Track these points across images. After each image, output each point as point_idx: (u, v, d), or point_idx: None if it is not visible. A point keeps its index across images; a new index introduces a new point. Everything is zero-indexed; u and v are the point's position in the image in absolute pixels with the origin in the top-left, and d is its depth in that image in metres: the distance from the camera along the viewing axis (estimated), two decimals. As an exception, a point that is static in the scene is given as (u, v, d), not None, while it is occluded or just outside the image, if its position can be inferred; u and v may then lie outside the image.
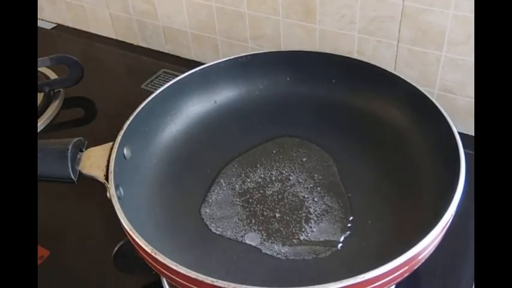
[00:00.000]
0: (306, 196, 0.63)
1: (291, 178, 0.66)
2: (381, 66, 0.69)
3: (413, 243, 0.48)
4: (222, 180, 0.66)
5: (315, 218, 0.60)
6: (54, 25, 1.08)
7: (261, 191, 0.64)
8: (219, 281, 0.46)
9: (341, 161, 0.65)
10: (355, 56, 0.79)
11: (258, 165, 0.68)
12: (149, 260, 0.50)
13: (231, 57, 0.74)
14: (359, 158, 0.67)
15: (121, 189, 0.58)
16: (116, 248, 0.65)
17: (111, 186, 0.56)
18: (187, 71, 0.71)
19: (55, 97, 0.89)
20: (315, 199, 0.63)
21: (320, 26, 0.81)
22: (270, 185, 0.65)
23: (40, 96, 0.88)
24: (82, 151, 0.61)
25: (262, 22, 0.85)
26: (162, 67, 0.97)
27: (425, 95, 0.64)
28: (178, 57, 0.99)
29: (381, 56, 0.78)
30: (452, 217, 0.51)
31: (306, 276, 0.53)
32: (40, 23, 1.06)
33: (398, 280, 0.49)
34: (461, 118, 0.75)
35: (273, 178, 0.66)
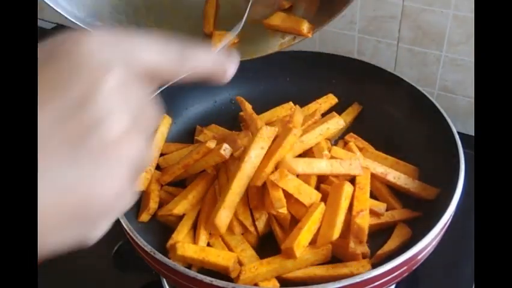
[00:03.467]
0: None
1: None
2: (381, 66, 0.69)
3: (412, 243, 0.48)
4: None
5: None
6: (54, 25, 1.07)
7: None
8: (218, 280, 0.46)
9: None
10: (355, 56, 0.79)
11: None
12: (149, 259, 0.50)
13: (231, 57, 0.73)
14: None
15: (120, 189, 0.57)
16: (115, 248, 0.65)
17: (111, 186, 0.55)
18: (187, 71, 0.71)
19: (55, 97, 0.89)
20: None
21: (319, 26, 0.81)
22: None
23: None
24: (81, 151, 0.61)
25: (262, 22, 0.85)
26: (162, 67, 0.97)
27: (425, 95, 0.64)
28: (178, 57, 0.99)
29: (381, 56, 0.78)
30: (451, 217, 0.51)
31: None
32: (40, 23, 1.05)
33: (398, 280, 0.49)
34: (461, 118, 0.75)
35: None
